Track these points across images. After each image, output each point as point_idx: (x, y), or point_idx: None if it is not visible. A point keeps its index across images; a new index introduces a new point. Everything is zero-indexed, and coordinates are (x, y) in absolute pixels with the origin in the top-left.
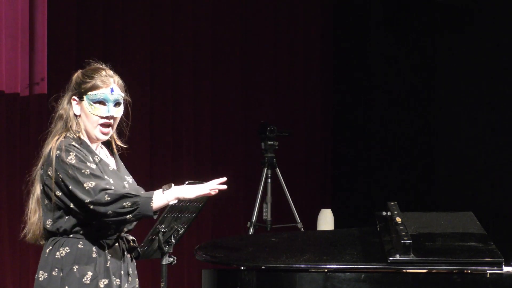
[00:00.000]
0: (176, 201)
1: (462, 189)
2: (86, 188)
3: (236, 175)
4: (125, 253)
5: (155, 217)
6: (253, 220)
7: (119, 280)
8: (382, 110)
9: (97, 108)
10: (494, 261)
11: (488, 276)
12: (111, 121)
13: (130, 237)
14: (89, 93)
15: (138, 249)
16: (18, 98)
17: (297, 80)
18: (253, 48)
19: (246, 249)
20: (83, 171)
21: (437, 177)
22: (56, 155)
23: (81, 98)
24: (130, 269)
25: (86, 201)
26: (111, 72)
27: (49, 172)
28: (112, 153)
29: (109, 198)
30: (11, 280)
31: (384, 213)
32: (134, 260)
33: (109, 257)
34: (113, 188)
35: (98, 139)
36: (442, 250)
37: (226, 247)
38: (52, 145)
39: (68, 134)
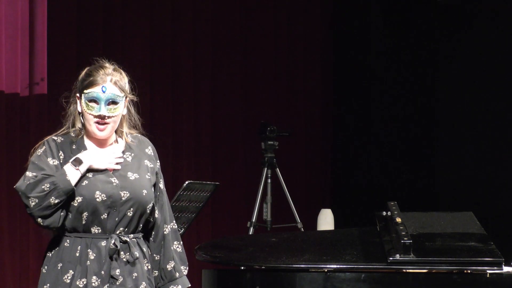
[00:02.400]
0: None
1: (462, 189)
2: (24, 177)
3: (236, 175)
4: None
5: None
6: (253, 220)
7: (100, 280)
8: (382, 110)
9: (90, 107)
10: (494, 261)
11: (488, 276)
12: (106, 119)
13: (124, 238)
14: (84, 91)
15: (131, 250)
16: (18, 98)
17: (297, 80)
18: (253, 48)
19: (246, 249)
20: (36, 162)
21: (437, 177)
22: (37, 146)
23: (80, 96)
24: (117, 271)
25: (19, 193)
26: (109, 71)
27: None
28: (128, 148)
29: (28, 183)
30: (11, 280)
31: (384, 213)
32: (141, 263)
33: (91, 257)
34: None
35: (97, 136)
36: (442, 250)
37: (226, 247)
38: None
39: (70, 132)
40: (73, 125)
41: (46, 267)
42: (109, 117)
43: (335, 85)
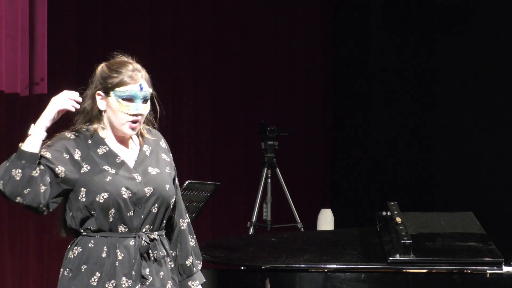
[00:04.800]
0: (45, 132)
1: (462, 189)
2: None
3: (236, 175)
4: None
5: (36, 151)
6: (253, 220)
7: (131, 281)
8: (382, 109)
9: (125, 106)
10: (494, 261)
11: (488, 276)
12: (139, 117)
13: (152, 236)
14: (116, 89)
15: (158, 247)
16: (18, 98)
17: (297, 80)
18: (253, 48)
19: (246, 249)
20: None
21: (437, 177)
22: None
23: (107, 94)
24: (147, 271)
25: None
26: (138, 66)
27: None
28: (146, 142)
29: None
30: (11, 280)
31: (384, 213)
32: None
33: (120, 257)
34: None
35: (126, 135)
36: (442, 250)
37: (226, 247)
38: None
39: (82, 128)
40: (88, 122)
41: (67, 269)
42: (143, 114)
43: (335, 85)
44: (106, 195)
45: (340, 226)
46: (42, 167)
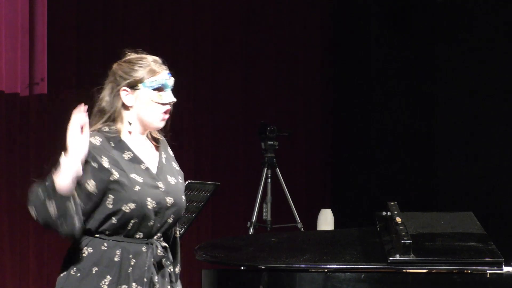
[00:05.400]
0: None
1: (462, 189)
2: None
3: (236, 175)
4: (152, 260)
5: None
6: (253, 220)
7: (141, 287)
8: (382, 109)
9: (158, 95)
10: (494, 261)
11: (488, 276)
12: (169, 108)
13: (163, 244)
14: (146, 80)
15: (169, 256)
16: (18, 98)
17: (297, 80)
18: (253, 48)
19: (246, 249)
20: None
21: (437, 177)
22: None
23: (134, 87)
24: (156, 278)
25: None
26: (153, 56)
27: None
28: (157, 146)
29: (30, 193)
30: (11, 280)
31: (384, 213)
32: (174, 268)
33: (132, 263)
34: None
35: (157, 128)
36: (442, 250)
37: (226, 247)
38: None
39: (103, 128)
40: (111, 120)
41: (75, 269)
42: (174, 103)
43: (335, 85)
44: (133, 205)
45: (340, 226)
46: (75, 193)
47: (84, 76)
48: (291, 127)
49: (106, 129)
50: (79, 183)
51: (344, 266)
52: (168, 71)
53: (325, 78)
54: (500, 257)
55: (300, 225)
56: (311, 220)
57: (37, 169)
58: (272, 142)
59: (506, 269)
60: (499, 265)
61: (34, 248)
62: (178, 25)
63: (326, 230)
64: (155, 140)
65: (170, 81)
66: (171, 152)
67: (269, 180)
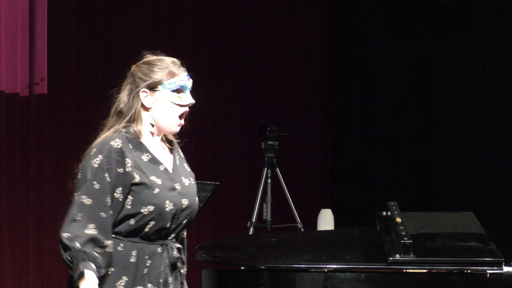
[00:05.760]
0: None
1: (462, 189)
2: (76, 203)
3: (236, 175)
4: (167, 261)
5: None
6: (253, 220)
7: None
8: (382, 110)
9: (177, 97)
10: (494, 261)
11: (488, 276)
12: (187, 110)
13: (177, 245)
14: (165, 82)
15: (183, 258)
16: (18, 98)
17: (297, 80)
18: (253, 48)
19: (246, 249)
20: (93, 182)
21: (437, 177)
22: (91, 152)
23: (154, 89)
24: (170, 278)
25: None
26: (174, 59)
27: (79, 165)
28: (171, 149)
29: (68, 235)
30: (11, 280)
31: (384, 213)
32: (182, 269)
33: (148, 264)
34: (91, 227)
35: (172, 133)
36: (442, 250)
37: (226, 247)
38: (100, 138)
39: (122, 129)
40: (124, 121)
41: None
42: (192, 104)
43: (335, 85)
44: (152, 208)
45: (340, 226)
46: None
47: (84, 76)
48: (291, 127)
49: (124, 130)
50: (111, 196)
51: (344, 266)
52: (187, 73)
53: (325, 78)
54: (500, 257)
55: (300, 225)
56: (311, 220)
57: (37, 169)
58: (272, 142)
59: (506, 269)
60: (499, 265)
61: (34, 248)
62: (178, 25)
63: (326, 230)
64: (169, 142)
65: (189, 82)
66: (182, 154)
67: (269, 180)
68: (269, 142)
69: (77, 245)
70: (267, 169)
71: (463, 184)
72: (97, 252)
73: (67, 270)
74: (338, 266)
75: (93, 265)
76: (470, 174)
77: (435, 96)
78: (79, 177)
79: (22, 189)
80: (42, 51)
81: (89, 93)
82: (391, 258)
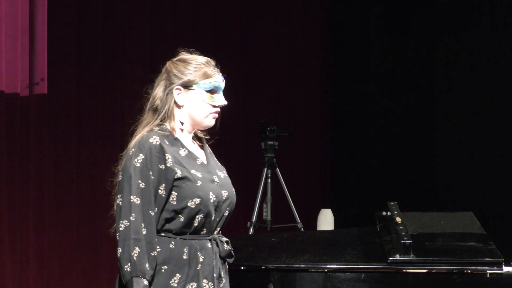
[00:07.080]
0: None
1: (462, 189)
2: (126, 204)
3: (236, 175)
4: (217, 255)
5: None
6: (253, 220)
7: (212, 284)
8: (382, 110)
9: (210, 97)
10: (494, 261)
11: (488, 276)
12: (219, 109)
13: (224, 239)
14: (200, 81)
15: (232, 251)
16: (18, 98)
17: (297, 80)
18: (253, 48)
19: (246, 249)
20: (138, 181)
21: (437, 177)
22: (130, 153)
23: (188, 87)
24: (222, 272)
25: (116, 216)
26: (209, 59)
27: (118, 167)
28: (201, 145)
29: (122, 236)
30: (11, 280)
31: (384, 213)
32: (226, 263)
33: (201, 259)
34: (144, 226)
35: (207, 127)
36: (442, 250)
37: None
38: (137, 138)
39: (155, 127)
40: (158, 118)
41: None
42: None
43: (335, 85)
44: (198, 200)
45: (340, 226)
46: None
47: (84, 76)
48: (291, 127)
49: (157, 128)
50: (155, 193)
51: (344, 266)
52: (221, 74)
53: (325, 78)
54: (500, 257)
55: (300, 225)
56: (311, 220)
57: (37, 169)
58: (272, 142)
59: (506, 269)
60: (499, 265)
61: (34, 248)
62: (178, 25)
63: (326, 230)
64: (198, 140)
65: (223, 84)
66: (210, 150)
67: (269, 180)
68: (269, 142)
69: (137, 267)
70: (267, 169)
71: (463, 184)
72: (149, 259)
73: (67, 270)
74: (338, 266)
75: (145, 282)
76: (470, 174)
77: (435, 96)
78: (120, 178)
79: (22, 189)
80: (42, 51)
81: (89, 93)
82: (391, 258)
